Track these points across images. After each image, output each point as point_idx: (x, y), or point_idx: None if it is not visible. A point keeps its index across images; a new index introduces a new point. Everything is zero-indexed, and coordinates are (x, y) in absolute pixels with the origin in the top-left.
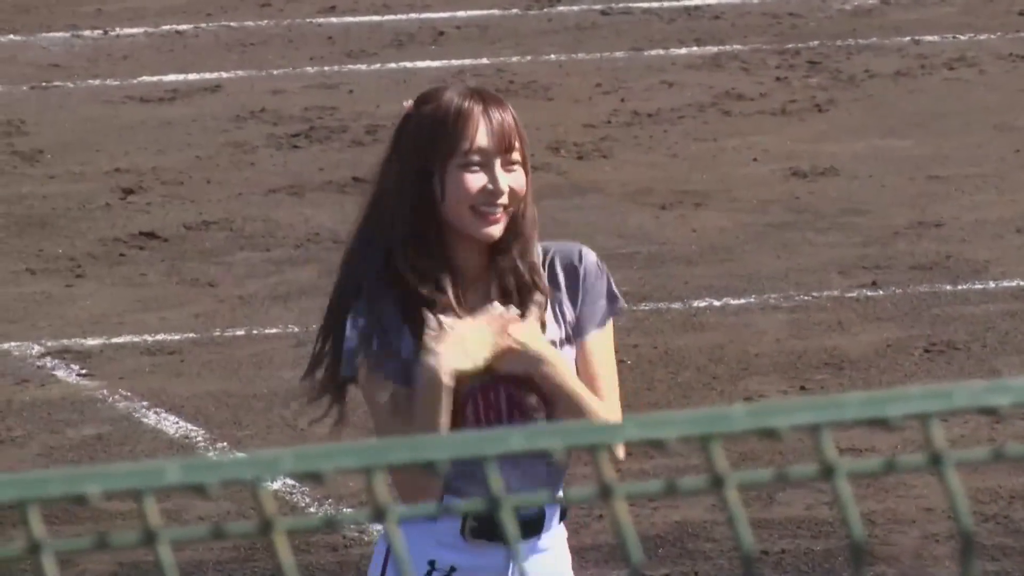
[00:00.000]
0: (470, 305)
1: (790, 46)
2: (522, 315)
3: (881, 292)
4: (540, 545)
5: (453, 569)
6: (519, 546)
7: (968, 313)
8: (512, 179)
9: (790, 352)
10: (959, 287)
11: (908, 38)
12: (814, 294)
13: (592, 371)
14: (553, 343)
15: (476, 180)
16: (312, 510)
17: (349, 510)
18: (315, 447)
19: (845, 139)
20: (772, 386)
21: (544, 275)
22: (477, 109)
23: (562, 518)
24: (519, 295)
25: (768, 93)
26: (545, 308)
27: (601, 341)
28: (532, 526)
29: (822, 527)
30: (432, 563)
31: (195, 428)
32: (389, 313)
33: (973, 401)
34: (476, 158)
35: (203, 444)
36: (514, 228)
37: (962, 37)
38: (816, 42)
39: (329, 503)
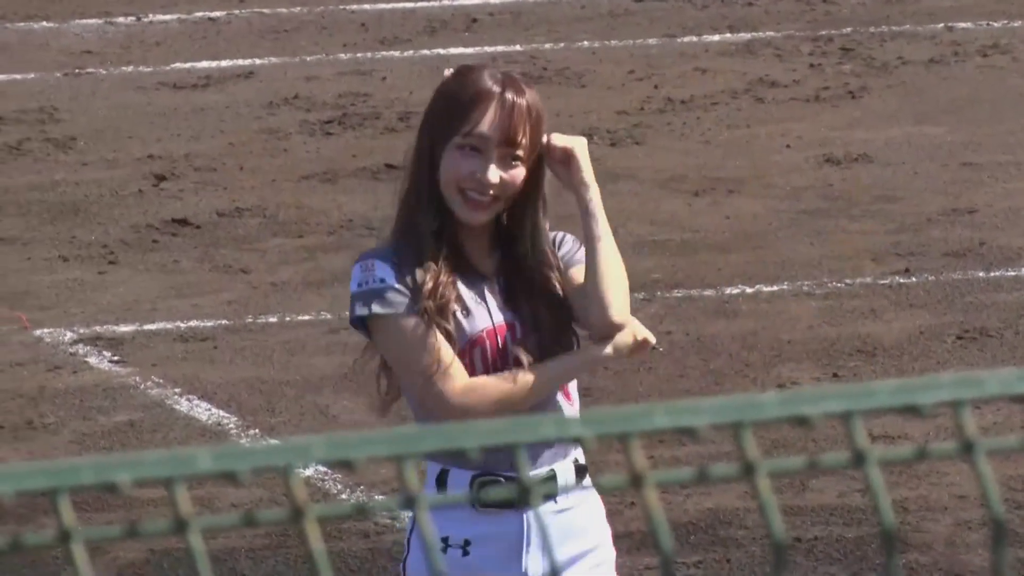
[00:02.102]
0: (463, 279)
1: (823, 33)
2: (530, 285)
3: (914, 279)
4: (558, 506)
5: (468, 542)
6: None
7: (1001, 300)
8: (508, 172)
9: (823, 339)
10: (992, 274)
11: (941, 25)
12: (847, 281)
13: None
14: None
15: (467, 163)
16: (343, 497)
17: (381, 497)
18: (347, 434)
19: (878, 126)
20: (805, 373)
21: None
22: (495, 95)
23: (580, 474)
24: (525, 279)
25: (801, 80)
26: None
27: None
28: (544, 486)
29: (854, 514)
30: (446, 540)
31: (227, 415)
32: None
33: (1005, 388)
34: (474, 142)
35: (235, 431)
36: (519, 220)
37: (995, 24)
38: (849, 29)
39: (361, 490)
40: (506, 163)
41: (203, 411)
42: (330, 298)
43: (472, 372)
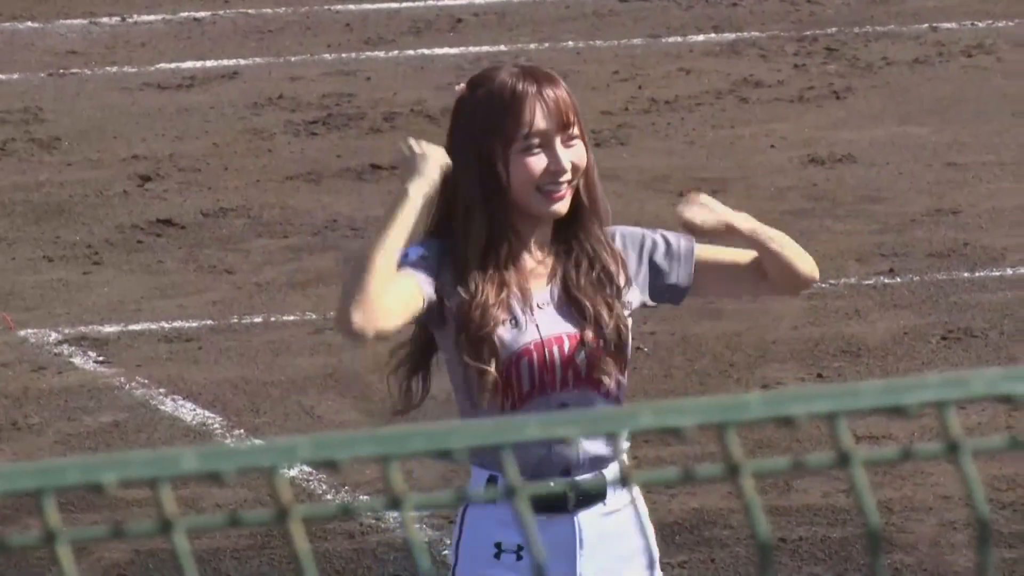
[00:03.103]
0: (532, 279)
1: (808, 33)
2: (595, 280)
3: (898, 279)
4: (607, 508)
5: (520, 547)
6: (533, 525)
7: (985, 300)
8: (573, 154)
9: (807, 339)
10: (976, 274)
11: (926, 25)
12: (831, 281)
13: (730, 255)
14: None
15: (539, 162)
16: (328, 497)
17: (365, 498)
18: (332, 435)
19: (862, 126)
20: (789, 373)
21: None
22: (532, 90)
23: (624, 483)
24: (588, 265)
25: (786, 80)
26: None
27: (708, 253)
28: (593, 492)
29: (839, 515)
30: (499, 545)
31: (212, 415)
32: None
33: (990, 389)
34: (536, 140)
35: (220, 431)
36: (578, 201)
37: (980, 24)
38: (834, 29)
39: (345, 491)
40: (568, 146)
41: (188, 411)
42: (315, 298)
43: (519, 384)
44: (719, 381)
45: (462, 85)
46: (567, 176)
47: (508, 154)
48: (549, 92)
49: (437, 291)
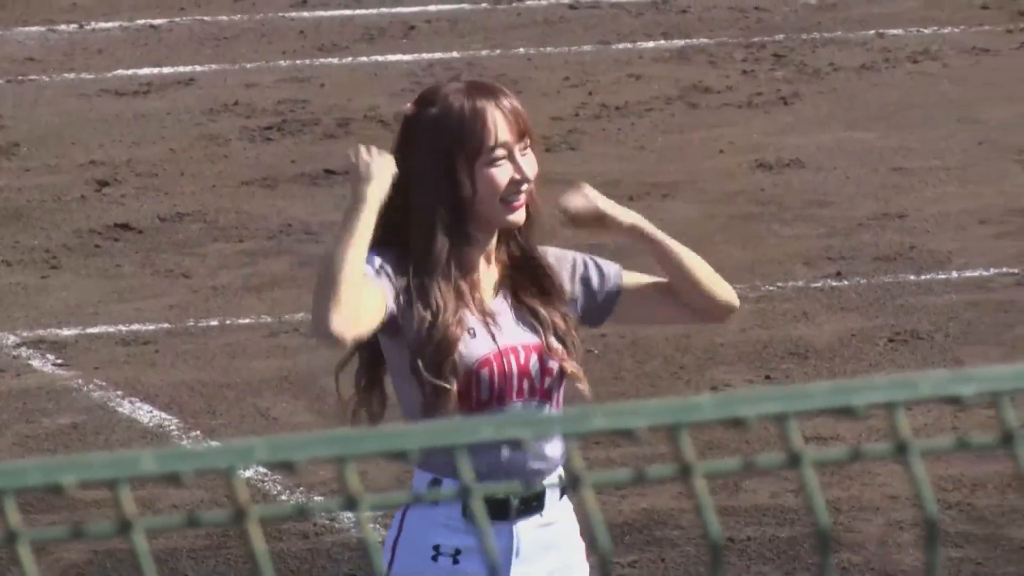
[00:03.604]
0: (483, 289)
1: (756, 39)
2: (541, 290)
3: (845, 282)
4: (543, 520)
5: (458, 551)
6: (489, 530)
7: (931, 303)
8: (529, 163)
9: (755, 342)
10: (922, 277)
11: (872, 32)
12: (779, 284)
13: (651, 280)
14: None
15: (503, 173)
16: (284, 498)
17: (320, 498)
18: (288, 436)
19: (810, 131)
20: (738, 375)
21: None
22: (490, 103)
23: (562, 494)
24: (531, 274)
25: (734, 86)
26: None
27: (632, 278)
28: (532, 501)
29: (787, 515)
30: (437, 547)
31: (169, 417)
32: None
33: (938, 390)
34: (501, 152)
35: (177, 433)
36: (528, 210)
37: (926, 31)
38: (781, 36)
39: (300, 491)
40: (524, 155)
41: (145, 413)
42: (270, 302)
43: (477, 395)
44: (669, 383)
45: (409, 105)
46: (529, 185)
47: (474, 167)
48: (505, 103)
49: (395, 301)
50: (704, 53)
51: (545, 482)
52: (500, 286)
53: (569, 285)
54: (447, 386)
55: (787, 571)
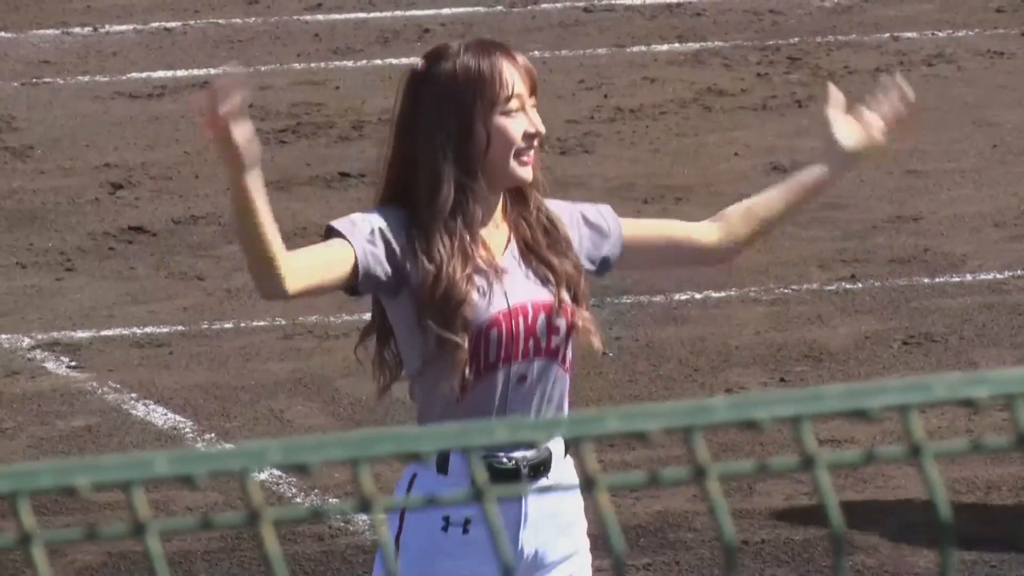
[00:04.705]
0: (492, 246)
1: (771, 42)
2: (550, 242)
3: (860, 285)
4: (548, 482)
5: (468, 520)
6: (504, 538)
7: (945, 306)
8: (539, 119)
9: (770, 344)
10: (937, 280)
11: (887, 35)
12: (794, 287)
13: (655, 228)
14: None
15: (518, 125)
16: (298, 501)
17: (335, 501)
18: (302, 439)
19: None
20: (752, 378)
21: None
22: (504, 57)
23: (565, 453)
24: (540, 229)
25: (749, 89)
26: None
27: (633, 223)
28: (540, 467)
29: (801, 517)
30: (447, 518)
31: (183, 420)
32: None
33: (952, 393)
34: (515, 104)
35: (191, 436)
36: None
37: (940, 34)
38: (796, 39)
39: (315, 494)
40: (535, 109)
41: (159, 416)
42: (284, 305)
43: (486, 354)
44: (683, 386)
45: (420, 62)
46: (541, 139)
47: (490, 118)
48: (518, 57)
49: (391, 259)
50: (719, 56)
51: (551, 446)
52: (508, 244)
53: (575, 234)
54: (456, 339)
55: (801, 573)
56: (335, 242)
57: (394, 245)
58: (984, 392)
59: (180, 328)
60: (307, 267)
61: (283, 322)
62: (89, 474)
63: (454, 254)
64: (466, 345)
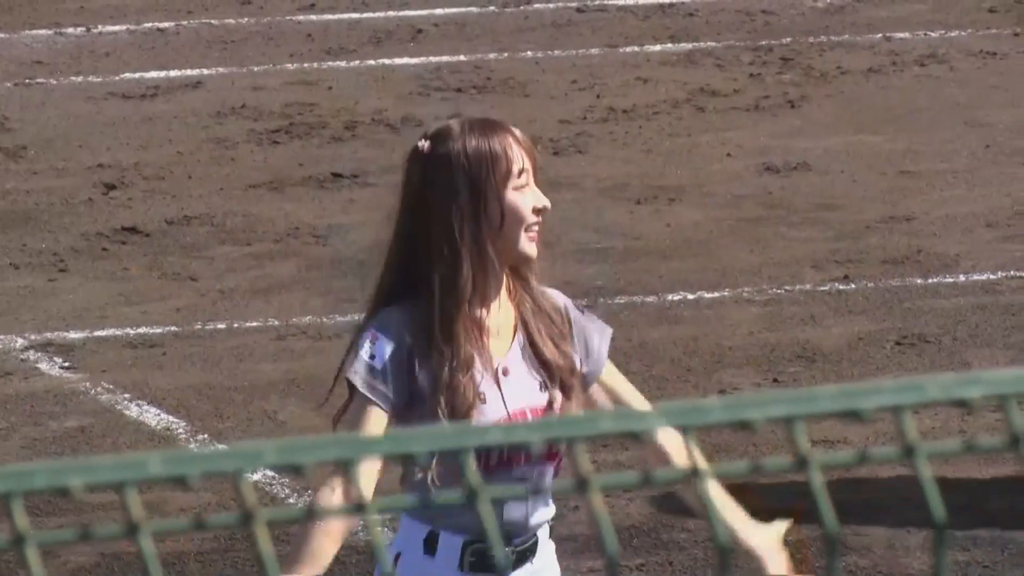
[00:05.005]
0: (495, 339)
1: (763, 43)
2: (549, 330)
3: (853, 286)
4: (533, 567)
5: None
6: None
7: (939, 306)
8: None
9: (763, 345)
10: (930, 281)
11: (880, 35)
12: (787, 288)
13: (627, 393)
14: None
15: (528, 200)
16: (291, 501)
17: None
18: (296, 439)
19: (817, 135)
20: (745, 379)
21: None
22: (507, 134)
23: (550, 534)
24: (549, 319)
25: (741, 89)
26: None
27: (614, 369)
28: (527, 552)
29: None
30: None
31: (176, 420)
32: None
33: (945, 393)
34: (524, 180)
35: (184, 436)
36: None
37: (933, 34)
38: (789, 39)
39: (308, 494)
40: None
41: (152, 416)
42: (277, 305)
43: (486, 460)
44: (677, 386)
45: (425, 143)
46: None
47: (503, 195)
48: (517, 133)
49: (406, 385)
50: (711, 56)
51: (540, 535)
52: (516, 331)
53: (575, 330)
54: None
55: None
56: (371, 414)
57: (403, 369)
58: (977, 393)
59: (173, 329)
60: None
61: (276, 323)
62: (83, 475)
63: (465, 346)
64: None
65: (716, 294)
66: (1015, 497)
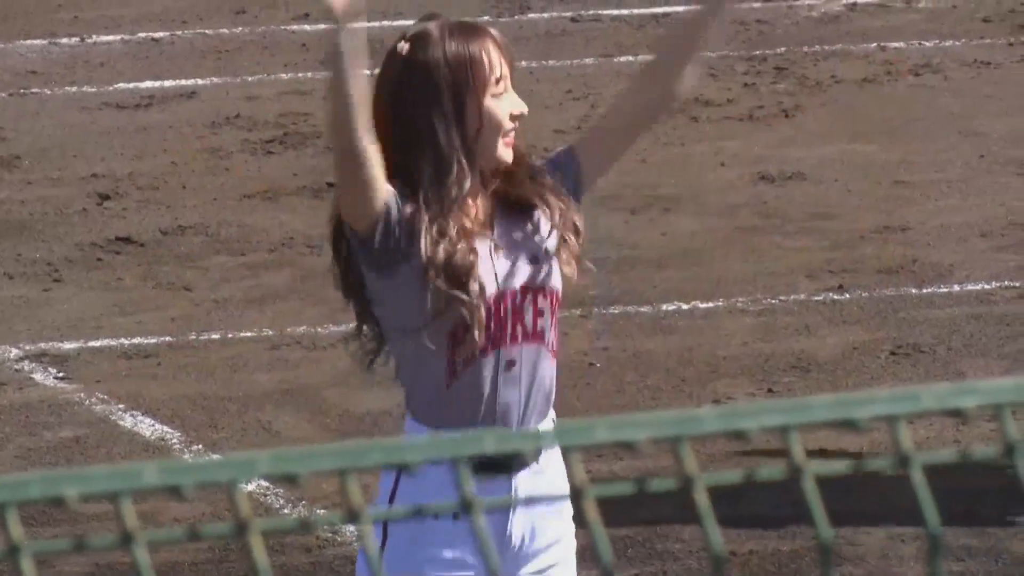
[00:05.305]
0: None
1: (757, 53)
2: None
3: (847, 295)
4: (539, 467)
5: (457, 514)
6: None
7: (933, 316)
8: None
9: (758, 355)
10: (924, 290)
11: (874, 44)
12: (781, 297)
13: (601, 119)
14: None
15: (505, 107)
16: (286, 512)
17: (323, 511)
18: (290, 449)
19: (812, 144)
20: (740, 388)
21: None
22: (487, 39)
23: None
24: (507, 206)
25: (736, 99)
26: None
27: (580, 137)
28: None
29: (789, 528)
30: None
31: (171, 430)
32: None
33: (940, 403)
34: (503, 86)
35: (179, 446)
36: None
37: (927, 44)
38: (783, 49)
39: (303, 505)
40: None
41: (147, 427)
42: (272, 315)
43: (487, 334)
44: (671, 396)
45: (404, 44)
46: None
47: (482, 101)
48: (497, 37)
49: (404, 228)
50: (705, 66)
51: (542, 428)
52: (495, 213)
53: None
54: (470, 299)
55: None
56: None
57: (406, 219)
58: (972, 402)
59: (168, 339)
60: (374, 148)
61: (270, 333)
62: (77, 484)
63: (455, 229)
64: (483, 307)
65: (710, 304)
66: (1009, 507)
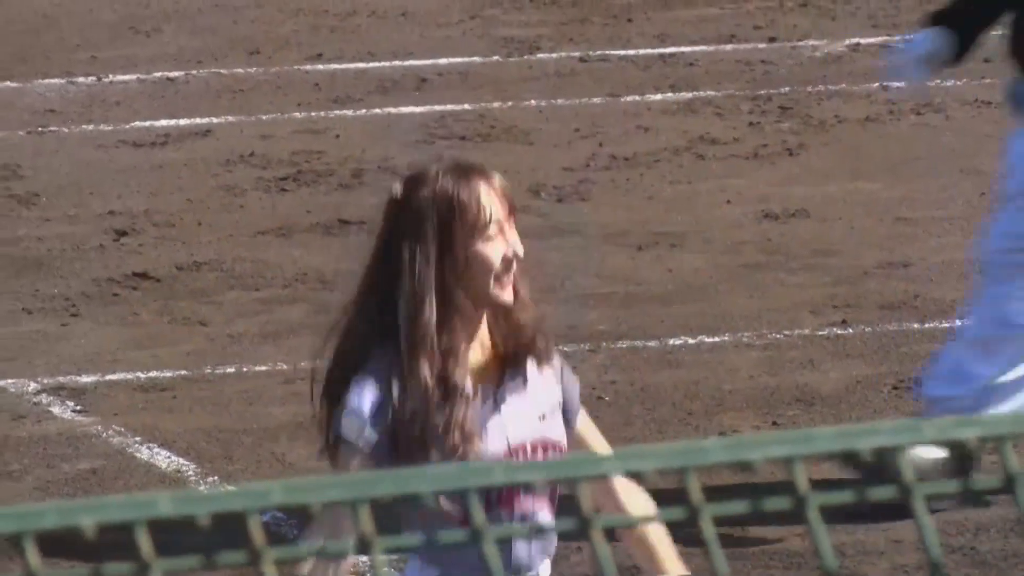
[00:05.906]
0: (482, 380)
1: (762, 92)
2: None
3: (851, 330)
4: None
5: None
6: None
7: (935, 351)
8: (516, 240)
9: (763, 388)
10: (926, 325)
11: (876, 84)
12: (786, 332)
13: (597, 443)
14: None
15: (496, 250)
16: (299, 542)
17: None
18: (303, 480)
19: (816, 182)
20: (745, 421)
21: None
22: (483, 182)
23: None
24: (523, 355)
25: (741, 138)
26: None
27: (586, 418)
28: None
29: (794, 558)
30: None
31: (186, 463)
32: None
33: (941, 435)
34: (494, 230)
35: (194, 478)
36: (514, 290)
37: (929, 83)
38: (787, 88)
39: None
40: (513, 232)
41: (163, 459)
42: (286, 349)
43: (487, 494)
44: (678, 429)
45: (397, 187)
46: (518, 261)
47: (470, 245)
48: (495, 181)
49: (387, 424)
50: (711, 105)
51: (541, 570)
52: (503, 371)
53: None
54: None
55: None
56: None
57: (386, 414)
58: (973, 434)
59: (183, 372)
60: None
61: (284, 367)
62: (93, 514)
63: (436, 384)
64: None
65: (716, 339)
66: (1010, 538)
